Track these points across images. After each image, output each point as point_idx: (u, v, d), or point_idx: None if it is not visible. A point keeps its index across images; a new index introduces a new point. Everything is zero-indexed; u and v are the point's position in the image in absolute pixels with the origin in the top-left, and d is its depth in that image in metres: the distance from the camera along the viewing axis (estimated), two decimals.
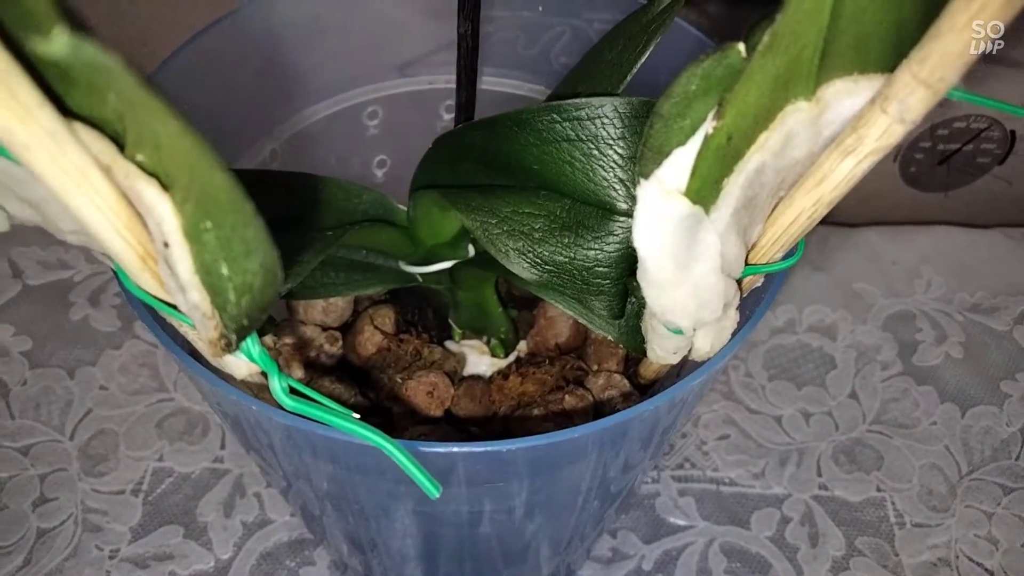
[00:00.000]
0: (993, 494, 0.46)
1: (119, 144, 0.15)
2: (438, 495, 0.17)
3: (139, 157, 0.15)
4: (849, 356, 0.51)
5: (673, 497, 0.45)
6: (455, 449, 0.20)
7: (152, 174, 0.15)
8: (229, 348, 0.16)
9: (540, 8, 0.39)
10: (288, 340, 0.34)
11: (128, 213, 0.16)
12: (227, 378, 0.21)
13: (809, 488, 0.46)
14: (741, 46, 0.16)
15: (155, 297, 0.18)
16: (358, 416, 0.18)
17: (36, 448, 0.45)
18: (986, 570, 0.43)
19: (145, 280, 0.17)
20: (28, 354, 0.49)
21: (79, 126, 0.14)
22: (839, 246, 0.56)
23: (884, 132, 0.17)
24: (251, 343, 0.18)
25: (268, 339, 0.23)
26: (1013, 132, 0.58)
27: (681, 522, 0.44)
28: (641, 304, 0.27)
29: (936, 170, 0.59)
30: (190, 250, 0.15)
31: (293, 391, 0.18)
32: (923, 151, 0.58)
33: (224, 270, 0.14)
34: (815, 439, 0.48)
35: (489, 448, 0.20)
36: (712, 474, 0.46)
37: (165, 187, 0.15)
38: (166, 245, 0.15)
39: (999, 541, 0.44)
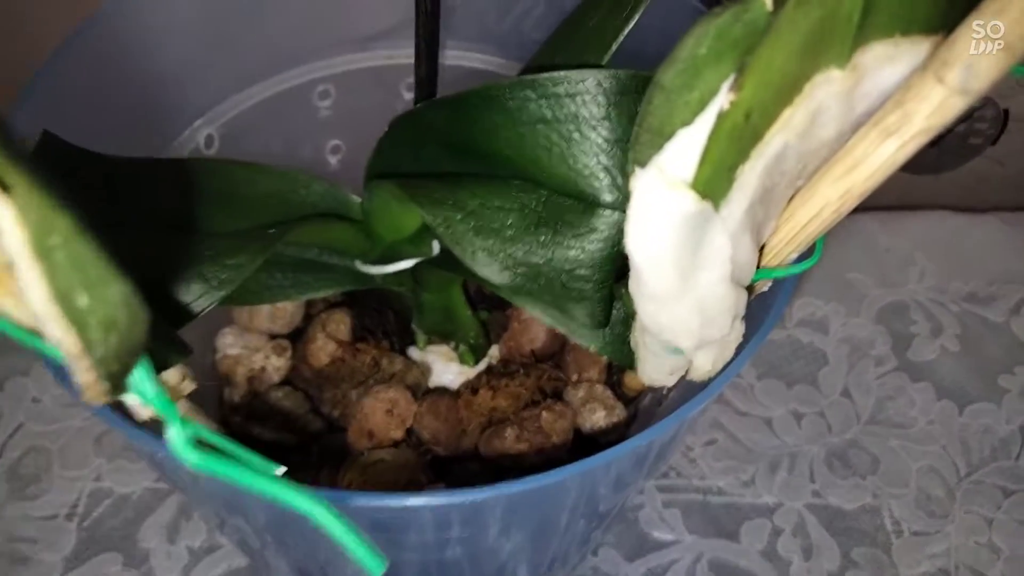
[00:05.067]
0: (993, 497, 0.44)
1: None
2: (383, 570, 0.14)
3: None
4: (842, 351, 0.48)
5: (658, 509, 0.42)
6: (411, 502, 0.16)
7: None
8: (108, 394, 0.13)
9: None
10: (230, 352, 0.30)
11: None
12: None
13: (802, 496, 0.43)
14: None
15: (20, 326, 0.14)
16: (283, 470, 0.14)
17: None
18: None
19: (7, 303, 0.14)
20: None
21: None
22: (830, 232, 0.53)
23: (939, 107, 0.14)
24: (144, 382, 0.14)
25: (173, 373, 0.19)
26: (1007, 111, 0.56)
27: (667, 536, 0.41)
28: (629, 312, 0.23)
29: (927, 151, 0.56)
30: (41, 271, 0.11)
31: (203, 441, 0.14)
32: None
33: (83, 300, 0.11)
34: (807, 442, 0.45)
35: (455, 499, 0.17)
36: (699, 483, 0.43)
37: (5, 188, 0.11)
38: (12, 265, 0.11)
39: (1000, 548, 0.42)
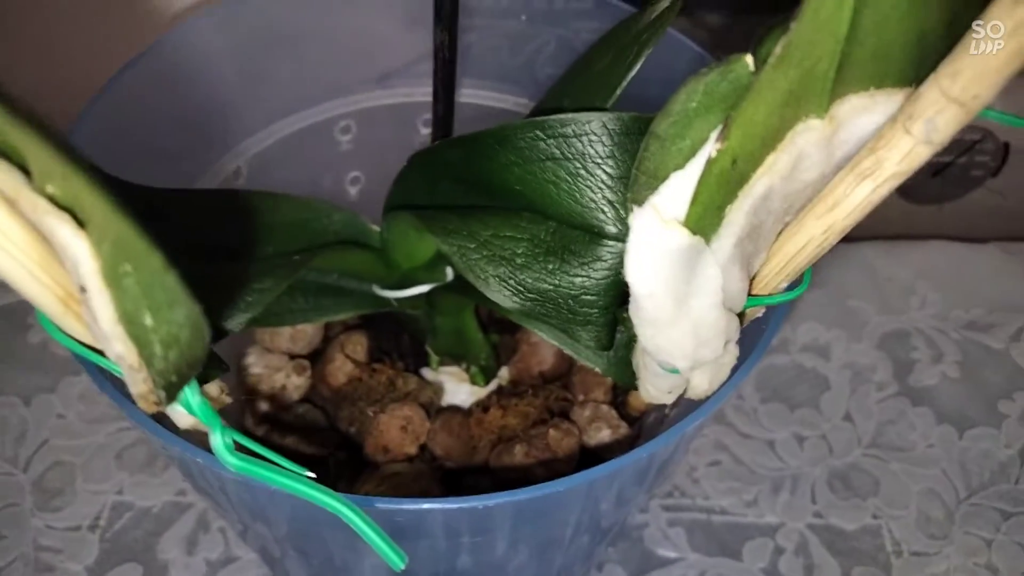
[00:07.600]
0: (992, 519, 0.44)
1: (26, 172, 0.13)
2: (403, 567, 0.15)
3: (49, 189, 0.13)
4: (844, 377, 0.49)
5: (662, 528, 0.43)
6: (425, 506, 0.18)
7: (66, 208, 0.13)
8: (160, 404, 0.14)
9: (523, 17, 0.37)
10: (252, 371, 0.32)
11: (42, 251, 0.14)
12: (171, 424, 0.19)
13: (803, 516, 0.44)
14: (749, 59, 0.14)
15: (82, 344, 0.16)
16: (312, 476, 0.16)
17: None
18: None
19: (70, 324, 0.15)
20: None
21: None
22: (833, 261, 0.54)
23: (907, 155, 0.16)
24: (190, 393, 0.15)
25: (213, 387, 0.20)
26: (1007, 144, 0.57)
27: (671, 554, 0.42)
28: (631, 335, 0.25)
29: (930, 182, 0.58)
30: (111, 296, 0.13)
31: (240, 446, 0.16)
32: None
33: (148, 320, 0.12)
34: (809, 464, 0.46)
35: (465, 505, 0.18)
36: (703, 502, 0.44)
37: (80, 224, 0.13)
38: (83, 290, 0.13)
39: (999, 570, 0.42)
